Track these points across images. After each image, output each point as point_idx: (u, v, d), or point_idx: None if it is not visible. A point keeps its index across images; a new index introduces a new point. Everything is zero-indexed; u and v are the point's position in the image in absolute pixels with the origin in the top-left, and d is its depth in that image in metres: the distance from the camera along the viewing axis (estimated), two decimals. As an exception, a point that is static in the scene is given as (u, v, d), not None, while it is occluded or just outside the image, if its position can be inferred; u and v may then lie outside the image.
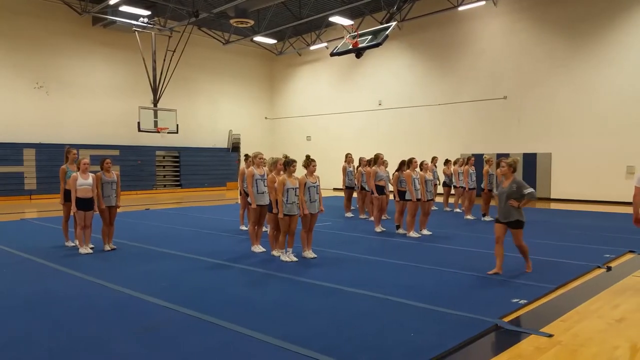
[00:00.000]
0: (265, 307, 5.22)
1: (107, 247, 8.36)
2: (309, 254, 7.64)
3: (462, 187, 13.34)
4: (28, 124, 20.27)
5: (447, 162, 14.73)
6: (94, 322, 4.79)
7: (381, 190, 10.94)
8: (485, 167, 12.30)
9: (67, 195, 8.36)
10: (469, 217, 12.61)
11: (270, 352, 4.00)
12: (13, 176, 19.94)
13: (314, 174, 7.67)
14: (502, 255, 6.58)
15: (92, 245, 8.39)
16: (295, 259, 7.46)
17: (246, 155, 10.05)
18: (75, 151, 8.90)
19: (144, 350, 4.07)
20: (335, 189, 24.35)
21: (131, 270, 7.09)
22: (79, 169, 8.08)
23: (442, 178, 14.71)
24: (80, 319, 4.89)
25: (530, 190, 6.38)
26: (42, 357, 3.95)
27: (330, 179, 24.94)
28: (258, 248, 8.23)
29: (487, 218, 12.18)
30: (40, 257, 7.89)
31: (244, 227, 10.49)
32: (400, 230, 10.20)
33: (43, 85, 20.71)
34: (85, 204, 7.99)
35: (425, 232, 9.99)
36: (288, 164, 7.50)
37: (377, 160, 11.17)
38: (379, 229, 10.57)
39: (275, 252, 7.83)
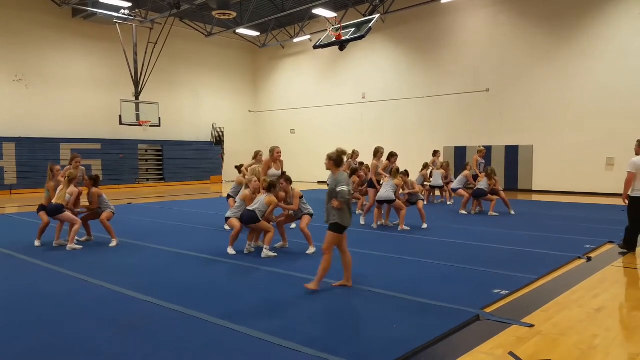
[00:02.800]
0: (248, 300, 5.20)
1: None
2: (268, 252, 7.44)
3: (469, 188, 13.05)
4: (7, 118, 19.91)
5: (425, 166, 15.01)
6: (76, 318, 4.73)
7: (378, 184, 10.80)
8: (475, 157, 12.52)
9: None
10: (463, 211, 12.30)
11: (252, 344, 3.99)
12: (-8, 171, 19.62)
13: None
14: (345, 264, 5.65)
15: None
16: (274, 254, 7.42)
17: (255, 153, 10.07)
18: (58, 167, 8.83)
19: (127, 346, 4.03)
20: (319, 182, 24.35)
21: (114, 265, 7.02)
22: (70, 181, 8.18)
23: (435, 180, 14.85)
24: (62, 315, 4.83)
25: (340, 188, 5.36)
26: (22, 355, 3.89)
27: (314, 172, 24.96)
28: (232, 250, 7.74)
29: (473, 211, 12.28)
30: (20, 252, 7.77)
31: (227, 227, 10.20)
32: (381, 222, 10.33)
33: (22, 79, 20.34)
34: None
35: (403, 227, 9.81)
36: (273, 187, 7.47)
37: (377, 154, 11.06)
38: (363, 221, 10.55)
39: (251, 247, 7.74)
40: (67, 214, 8.06)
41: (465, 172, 12.83)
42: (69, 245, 8.00)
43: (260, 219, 7.30)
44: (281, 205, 7.72)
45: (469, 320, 4.47)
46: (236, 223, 7.67)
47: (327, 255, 5.49)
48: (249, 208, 7.42)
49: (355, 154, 13.67)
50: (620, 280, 6.12)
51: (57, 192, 8.10)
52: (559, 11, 17.86)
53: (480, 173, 12.76)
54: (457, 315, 4.59)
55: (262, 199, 7.38)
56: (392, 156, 10.83)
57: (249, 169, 9.37)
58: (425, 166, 15.11)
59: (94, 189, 8.41)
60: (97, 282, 5.96)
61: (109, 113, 21.91)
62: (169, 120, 23.84)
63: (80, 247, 8.14)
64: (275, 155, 8.87)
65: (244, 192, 7.95)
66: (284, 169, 8.92)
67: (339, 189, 5.36)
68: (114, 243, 8.35)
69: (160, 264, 7.02)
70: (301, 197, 7.88)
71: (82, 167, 9.30)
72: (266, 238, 7.38)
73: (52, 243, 8.36)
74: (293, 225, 9.57)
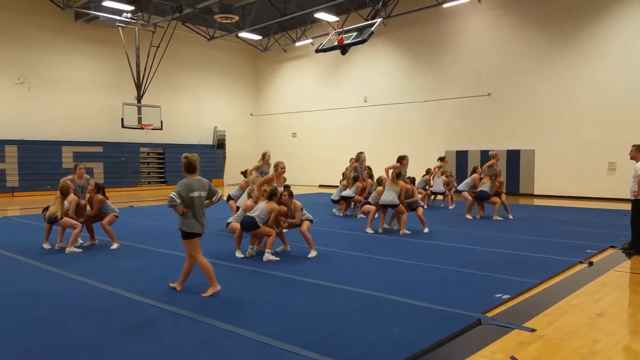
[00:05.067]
0: (249, 303, 5.21)
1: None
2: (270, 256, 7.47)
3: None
4: (9, 121, 19.94)
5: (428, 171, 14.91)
6: (76, 319, 4.74)
7: None
8: (492, 162, 12.29)
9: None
10: (468, 216, 12.16)
11: (253, 348, 4.00)
12: (-6, 173, 19.66)
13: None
14: (207, 269, 5.61)
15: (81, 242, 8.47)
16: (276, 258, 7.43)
17: (263, 154, 10.12)
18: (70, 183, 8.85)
19: (128, 347, 4.04)
20: (321, 186, 24.36)
21: (115, 267, 7.02)
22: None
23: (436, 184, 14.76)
24: (63, 316, 4.83)
25: (171, 193, 5.38)
26: (22, 355, 3.90)
27: (315, 176, 24.98)
28: (240, 253, 7.74)
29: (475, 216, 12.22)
30: (22, 254, 7.78)
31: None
32: (386, 226, 10.28)
33: (25, 81, 20.38)
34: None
35: (404, 231, 9.76)
36: (274, 195, 7.44)
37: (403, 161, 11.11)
38: (370, 230, 10.07)
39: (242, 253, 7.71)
40: (66, 220, 8.06)
41: (474, 176, 12.62)
42: (68, 249, 8.01)
43: (260, 225, 7.28)
44: (283, 219, 7.71)
45: (470, 325, 4.47)
46: (236, 225, 7.69)
47: (191, 260, 5.63)
48: (249, 214, 7.41)
49: (361, 158, 13.26)
50: (622, 285, 6.11)
51: (54, 205, 8.05)
52: (560, 15, 17.88)
53: (486, 176, 12.39)
54: (459, 319, 4.59)
55: (262, 206, 7.37)
56: (403, 159, 10.95)
57: (249, 177, 9.38)
58: (428, 172, 14.90)
59: (98, 196, 8.45)
60: (97, 284, 5.97)
61: (111, 116, 21.95)
62: (170, 123, 23.88)
63: (80, 250, 8.14)
64: (279, 171, 8.50)
65: (247, 202, 7.96)
66: (285, 180, 8.78)
67: (171, 193, 5.38)
68: (114, 246, 8.36)
69: (161, 267, 7.03)
70: (301, 209, 7.88)
71: (87, 176, 9.30)
72: (268, 242, 7.39)
73: (54, 246, 8.38)
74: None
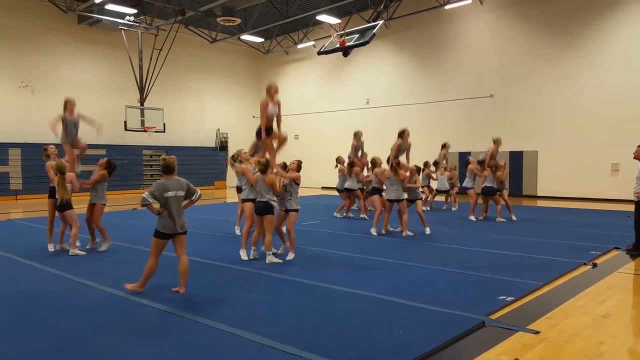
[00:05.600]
0: (251, 306, 5.20)
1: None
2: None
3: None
4: (13, 124, 19.99)
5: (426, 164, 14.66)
6: (78, 321, 4.73)
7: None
8: (492, 148, 12.08)
9: (52, 190, 8.24)
10: (472, 217, 12.10)
11: (255, 349, 3.99)
12: (-2, 176, 19.70)
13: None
14: (148, 270, 5.74)
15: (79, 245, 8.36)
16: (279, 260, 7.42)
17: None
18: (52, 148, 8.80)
19: (128, 349, 4.03)
20: (324, 188, 24.35)
21: (117, 270, 7.02)
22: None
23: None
24: (65, 318, 4.84)
25: (143, 195, 5.53)
26: (28, 355, 3.91)
27: (318, 178, 24.96)
28: (244, 254, 7.69)
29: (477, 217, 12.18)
30: (25, 257, 7.79)
31: (239, 232, 9.87)
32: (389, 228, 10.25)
33: (28, 85, 20.45)
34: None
35: (407, 232, 9.70)
36: (267, 167, 7.35)
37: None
38: (374, 232, 9.97)
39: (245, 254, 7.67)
40: (72, 213, 8.00)
41: (470, 167, 12.37)
42: (71, 251, 8.00)
43: (274, 209, 7.24)
44: (281, 173, 7.57)
45: (474, 327, 4.45)
46: (248, 210, 7.70)
47: (152, 258, 5.72)
48: (259, 199, 7.27)
49: (358, 134, 13.27)
50: (627, 287, 6.09)
51: (59, 190, 7.92)
52: (562, 16, 17.85)
53: (487, 168, 12.01)
54: (463, 321, 4.57)
55: (262, 186, 7.20)
56: (403, 132, 11.11)
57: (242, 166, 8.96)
58: (427, 165, 14.58)
59: (101, 171, 8.40)
60: (100, 286, 5.97)
61: (114, 119, 21.93)
62: (173, 125, 23.90)
63: (84, 253, 8.11)
64: (272, 93, 8.27)
65: (249, 176, 7.77)
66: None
67: (144, 194, 5.52)
68: (104, 247, 8.31)
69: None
70: (299, 169, 7.80)
71: (79, 112, 9.40)
72: (265, 243, 7.30)
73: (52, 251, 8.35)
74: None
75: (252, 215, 7.72)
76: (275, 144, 8.79)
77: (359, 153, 13.19)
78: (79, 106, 9.88)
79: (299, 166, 7.80)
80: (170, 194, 5.56)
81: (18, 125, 20.09)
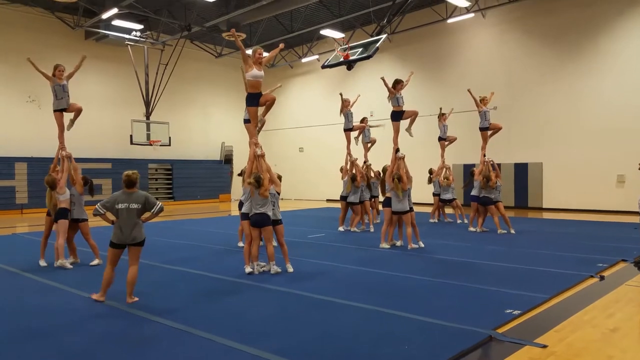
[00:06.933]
0: (257, 320, 5.18)
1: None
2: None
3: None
4: (20, 138, 20.15)
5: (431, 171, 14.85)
6: (81, 334, 4.74)
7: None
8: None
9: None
10: (471, 229, 12.11)
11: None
12: (4, 190, 19.77)
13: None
14: (106, 279, 5.92)
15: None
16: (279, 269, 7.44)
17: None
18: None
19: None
20: (328, 200, 24.32)
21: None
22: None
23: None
24: (68, 331, 4.84)
25: (96, 205, 5.85)
26: None
27: (323, 190, 24.96)
28: (248, 268, 7.61)
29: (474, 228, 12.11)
30: (29, 271, 7.79)
31: (241, 244, 9.81)
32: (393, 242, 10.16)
33: (35, 99, 20.61)
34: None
35: (412, 245, 9.60)
36: (259, 181, 7.45)
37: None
38: (387, 244, 9.92)
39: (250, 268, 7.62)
40: (63, 222, 8.07)
41: (476, 177, 12.33)
42: (56, 262, 7.99)
43: (271, 220, 7.36)
44: (272, 178, 7.75)
45: (481, 341, 4.42)
46: (246, 228, 7.66)
47: (108, 267, 5.88)
48: (255, 211, 7.35)
49: (365, 120, 14.47)
50: (635, 300, 6.03)
51: (50, 201, 8.10)
52: (565, 29, 17.91)
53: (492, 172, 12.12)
54: (469, 335, 4.54)
55: (256, 195, 7.33)
56: (397, 83, 11.93)
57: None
58: (431, 172, 15.02)
59: (79, 177, 8.59)
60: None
61: (120, 133, 22.11)
62: (179, 139, 24.01)
63: (71, 267, 8.09)
64: (256, 57, 7.98)
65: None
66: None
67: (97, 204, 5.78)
68: (95, 262, 8.28)
69: (166, 281, 7.01)
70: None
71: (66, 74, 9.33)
72: (268, 254, 7.39)
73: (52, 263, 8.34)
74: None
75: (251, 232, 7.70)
76: (261, 111, 8.71)
77: (368, 138, 14.66)
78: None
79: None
80: (121, 206, 5.73)
81: (24, 140, 20.24)
